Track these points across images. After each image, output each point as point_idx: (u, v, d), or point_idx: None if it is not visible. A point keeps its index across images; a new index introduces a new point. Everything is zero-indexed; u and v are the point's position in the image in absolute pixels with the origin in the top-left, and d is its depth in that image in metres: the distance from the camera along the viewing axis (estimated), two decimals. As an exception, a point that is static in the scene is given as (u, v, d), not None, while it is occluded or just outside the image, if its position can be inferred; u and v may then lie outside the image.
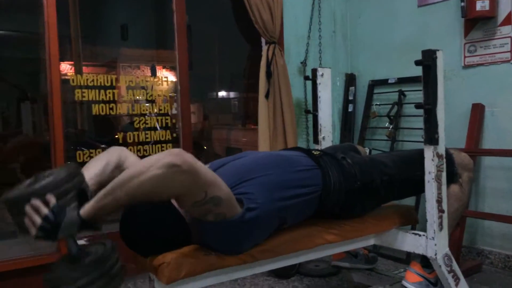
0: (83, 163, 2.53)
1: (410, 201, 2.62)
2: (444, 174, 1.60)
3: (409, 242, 1.69)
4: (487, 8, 2.46)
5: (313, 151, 1.66)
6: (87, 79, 2.50)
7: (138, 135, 2.71)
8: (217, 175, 1.24)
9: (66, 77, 2.79)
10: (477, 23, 2.59)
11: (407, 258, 2.55)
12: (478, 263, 2.53)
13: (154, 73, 2.93)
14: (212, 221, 1.25)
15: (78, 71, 4.75)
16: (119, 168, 1.41)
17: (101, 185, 1.32)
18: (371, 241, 1.80)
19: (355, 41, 3.36)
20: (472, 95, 2.63)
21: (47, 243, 1.14)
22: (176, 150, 1.14)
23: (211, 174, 1.21)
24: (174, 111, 2.98)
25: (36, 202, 1.13)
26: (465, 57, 2.67)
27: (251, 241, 1.37)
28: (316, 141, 2.18)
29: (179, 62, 2.77)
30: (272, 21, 2.84)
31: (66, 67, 4.86)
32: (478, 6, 2.47)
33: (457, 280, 1.65)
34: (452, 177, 1.68)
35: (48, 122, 2.45)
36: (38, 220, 1.11)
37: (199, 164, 1.16)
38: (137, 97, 2.74)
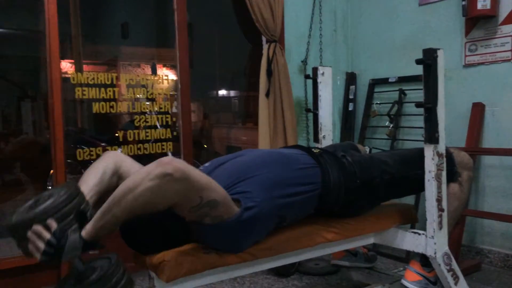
0: (83, 161, 2.55)
1: (410, 200, 2.63)
2: (444, 173, 1.60)
3: (408, 240, 1.70)
4: (488, 7, 2.45)
5: (313, 149, 1.66)
6: (87, 77, 2.50)
7: (138, 133, 2.71)
8: (211, 178, 1.25)
9: (67, 75, 2.79)
10: (478, 22, 2.59)
11: (407, 257, 2.55)
12: (478, 262, 2.54)
13: (154, 72, 2.93)
14: (210, 224, 1.25)
15: (79, 69, 4.75)
16: (116, 174, 1.41)
17: (101, 194, 1.35)
18: (370, 240, 1.80)
19: (355, 40, 3.36)
20: (472, 94, 2.63)
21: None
22: (166, 158, 1.14)
23: (204, 177, 1.21)
24: (174, 110, 2.98)
25: (38, 228, 1.14)
26: (465, 56, 2.67)
27: (250, 239, 1.37)
28: (316, 139, 2.18)
29: (180, 61, 2.77)
30: (273, 19, 2.84)
31: (66, 65, 4.86)
32: (479, 5, 2.47)
33: (456, 279, 1.65)
34: (452, 176, 1.68)
35: (48, 120, 2.45)
36: (41, 245, 1.13)
37: (191, 170, 1.16)
38: (138, 96, 2.74)
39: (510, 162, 2.48)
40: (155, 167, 1.11)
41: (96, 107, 2.57)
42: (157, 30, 6.67)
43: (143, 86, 2.76)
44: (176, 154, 3.07)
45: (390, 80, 3.05)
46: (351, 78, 3.35)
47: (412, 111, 2.87)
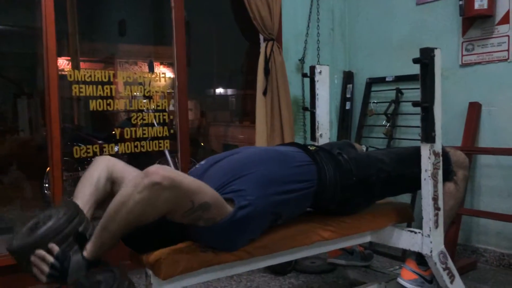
0: (80, 159, 2.54)
1: (406, 198, 2.63)
2: (440, 172, 1.61)
3: (404, 239, 1.70)
4: (485, 6, 2.46)
5: (309, 147, 1.66)
6: (84, 75, 2.49)
7: (135, 131, 2.70)
8: (204, 177, 1.25)
9: (64, 73, 2.79)
10: (475, 22, 2.60)
11: (403, 256, 2.56)
12: (473, 261, 2.55)
13: (151, 69, 2.92)
14: (204, 226, 1.25)
15: (76, 66, 4.74)
16: (110, 179, 1.42)
17: (98, 203, 1.38)
18: (367, 238, 1.81)
19: (353, 38, 3.36)
20: (469, 93, 2.64)
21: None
22: (152, 168, 1.13)
23: (194, 181, 1.21)
24: (171, 108, 2.97)
25: (40, 252, 1.17)
26: (462, 55, 2.67)
27: (245, 237, 1.38)
28: (313, 138, 2.18)
29: (177, 59, 2.77)
30: (271, 18, 2.83)
31: (63, 63, 4.84)
32: (476, 5, 2.47)
33: (452, 277, 1.66)
34: (448, 175, 1.68)
35: (44, 117, 2.44)
36: (45, 268, 1.17)
37: (179, 176, 1.16)
38: (135, 93, 2.73)
39: (506, 162, 2.50)
40: (142, 179, 1.11)
41: (93, 105, 2.56)
42: (155, 28, 6.66)
43: (140, 83, 2.75)
44: (173, 152, 3.08)
45: (387, 79, 3.06)
46: (348, 77, 3.35)
47: (409, 110, 2.88)
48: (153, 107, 2.85)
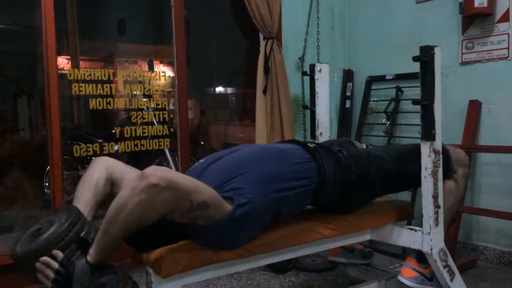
0: (80, 158, 2.54)
1: (406, 196, 2.64)
2: (440, 170, 1.61)
3: (405, 237, 1.71)
4: (485, 4, 2.46)
5: (308, 144, 1.65)
6: (84, 74, 2.49)
7: (135, 129, 2.70)
8: (202, 176, 1.25)
9: (63, 72, 2.78)
10: (475, 20, 2.60)
11: (403, 253, 2.56)
12: (473, 259, 2.55)
13: (151, 68, 2.92)
14: (203, 225, 1.26)
15: (75, 65, 4.73)
16: (109, 180, 1.42)
17: (98, 205, 1.38)
18: (367, 236, 1.81)
19: (353, 37, 3.36)
20: (469, 91, 2.64)
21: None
22: (149, 169, 1.13)
23: (191, 181, 1.21)
24: (171, 106, 2.97)
25: (45, 259, 1.19)
26: (462, 53, 2.67)
27: (245, 235, 1.38)
28: (313, 136, 2.18)
29: (177, 57, 2.77)
30: (270, 16, 2.83)
31: (63, 62, 4.84)
32: (476, 3, 2.47)
33: (452, 275, 1.66)
34: (448, 173, 1.69)
35: (44, 116, 2.44)
36: (50, 274, 1.18)
37: (176, 176, 1.16)
38: (135, 92, 2.73)
39: (506, 160, 2.50)
40: (139, 181, 1.11)
41: (93, 103, 2.56)
42: (154, 27, 6.65)
43: (140, 82, 2.75)
44: (173, 151, 3.08)
45: (387, 78, 3.06)
46: (348, 75, 3.35)
47: (408, 108, 2.88)
48: (153, 105, 2.85)
